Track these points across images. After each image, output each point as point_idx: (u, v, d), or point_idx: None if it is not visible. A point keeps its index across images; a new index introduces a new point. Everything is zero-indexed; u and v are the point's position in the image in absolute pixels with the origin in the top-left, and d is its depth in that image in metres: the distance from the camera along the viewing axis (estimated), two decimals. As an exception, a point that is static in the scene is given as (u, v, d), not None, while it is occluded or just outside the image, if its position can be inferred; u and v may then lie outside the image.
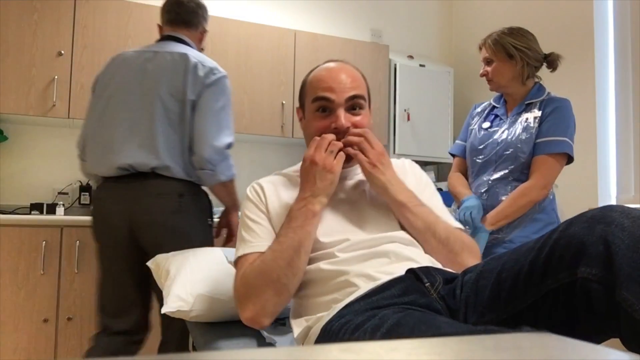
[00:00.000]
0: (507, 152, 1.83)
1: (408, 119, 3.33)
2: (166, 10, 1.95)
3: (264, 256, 1.06)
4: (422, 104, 3.39)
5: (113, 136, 1.77)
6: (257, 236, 1.12)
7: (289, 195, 1.17)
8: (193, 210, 1.80)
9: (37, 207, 2.62)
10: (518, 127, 1.84)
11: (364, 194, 1.20)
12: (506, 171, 1.84)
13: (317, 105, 1.17)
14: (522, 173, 1.82)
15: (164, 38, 1.92)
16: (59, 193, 2.83)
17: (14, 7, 2.54)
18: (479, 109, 2.05)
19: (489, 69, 1.89)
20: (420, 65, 3.45)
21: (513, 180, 1.83)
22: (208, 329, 1.32)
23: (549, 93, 1.89)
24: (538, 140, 1.79)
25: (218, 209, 2.04)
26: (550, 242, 0.83)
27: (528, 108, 1.87)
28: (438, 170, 3.60)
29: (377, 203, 1.17)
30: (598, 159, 2.68)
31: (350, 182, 1.22)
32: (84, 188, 2.85)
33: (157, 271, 1.53)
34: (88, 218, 2.42)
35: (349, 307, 0.94)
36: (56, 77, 2.59)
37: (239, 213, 1.82)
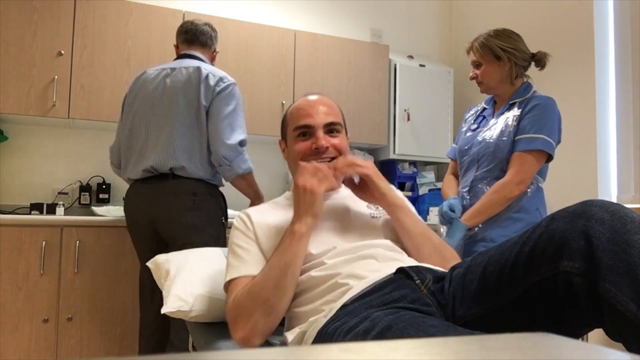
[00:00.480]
0: (488, 151, 1.86)
1: (408, 119, 3.33)
2: (184, 31, 2.21)
3: (255, 279, 1.09)
4: (422, 104, 3.39)
5: (142, 146, 2.05)
6: (245, 261, 1.15)
7: (277, 218, 1.22)
8: (205, 207, 2.02)
9: (37, 207, 2.62)
10: (499, 127, 1.87)
11: (348, 211, 1.26)
12: (487, 170, 1.87)
13: (298, 132, 1.25)
14: (502, 171, 1.84)
15: (182, 56, 2.18)
16: (59, 193, 2.83)
17: (14, 7, 2.54)
18: (472, 112, 2.09)
19: (478, 71, 1.92)
20: (420, 65, 3.45)
21: (494, 179, 1.85)
22: (208, 329, 1.32)
23: (534, 92, 1.90)
24: (516, 138, 1.81)
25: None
26: (534, 236, 0.86)
27: (511, 107, 1.89)
28: (438, 170, 3.60)
29: (360, 218, 1.25)
30: (598, 159, 2.68)
31: (334, 202, 1.28)
32: (84, 188, 2.85)
33: (156, 271, 1.54)
34: (88, 218, 2.44)
35: (343, 309, 0.97)
36: (56, 77, 2.59)
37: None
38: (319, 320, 0.99)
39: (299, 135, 1.25)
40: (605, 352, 0.41)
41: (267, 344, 1.17)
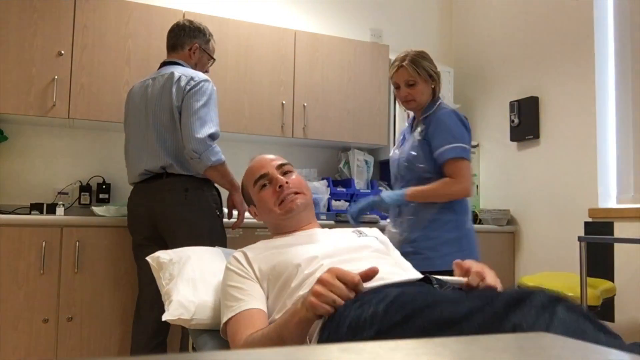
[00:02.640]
0: (404, 166, 2.03)
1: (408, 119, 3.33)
2: (167, 37, 2.35)
3: (255, 336, 1.08)
4: (422, 104, 3.39)
5: (133, 154, 2.24)
6: (245, 296, 1.19)
7: (274, 244, 1.29)
8: (197, 202, 2.14)
9: (37, 207, 2.62)
10: (409, 143, 2.03)
11: (329, 235, 1.36)
12: (407, 182, 2.02)
13: (259, 185, 1.39)
14: (418, 182, 1.97)
15: (163, 64, 2.31)
16: (59, 193, 2.83)
17: (14, 7, 2.54)
18: (402, 135, 2.24)
19: (410, 90, 2.00)
20: (420, 65, 3.45)
21: None
22: (209, 332, 1.32)
23: (439, 104, 2.02)
24: (437, 152, 1.92)
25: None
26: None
27: (419, 123, 2.03)
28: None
29: (343, 238, 1.33)
30: (598, 159, 2.68)
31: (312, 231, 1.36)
32: (84, 188, 2.85)
33: (157, 269, 1.53)
34: (88, 218, 2.44)
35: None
36: (56, 77, 2.59)
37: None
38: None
39: (261, 188, 1.38)
40: (605, 352, 0.41)
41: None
